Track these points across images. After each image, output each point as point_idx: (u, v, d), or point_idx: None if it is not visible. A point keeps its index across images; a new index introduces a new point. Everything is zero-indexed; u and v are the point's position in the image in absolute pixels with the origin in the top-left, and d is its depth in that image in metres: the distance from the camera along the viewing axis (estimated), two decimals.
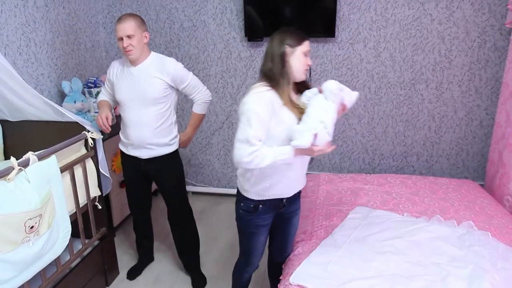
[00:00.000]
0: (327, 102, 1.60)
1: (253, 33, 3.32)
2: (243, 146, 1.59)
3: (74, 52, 3.27)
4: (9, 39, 2.63)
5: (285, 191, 1.82)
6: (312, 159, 1.81)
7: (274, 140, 1.64)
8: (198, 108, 2.39)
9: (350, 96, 1.69)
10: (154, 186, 2.71)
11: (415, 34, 3.14)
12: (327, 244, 2.03)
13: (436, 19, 3.08)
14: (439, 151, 3.38)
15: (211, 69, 3.54)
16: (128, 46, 2.11)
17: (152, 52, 2.25)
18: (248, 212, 1.84)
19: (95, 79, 3.15)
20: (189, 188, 3.83)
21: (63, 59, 3.13)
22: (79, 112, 2.92)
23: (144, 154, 2.30)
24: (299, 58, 1.67)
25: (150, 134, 2.24)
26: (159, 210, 3.35)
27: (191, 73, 2.30)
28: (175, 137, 2.36)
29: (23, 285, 1.83)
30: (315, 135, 1.54)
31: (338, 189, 2.70)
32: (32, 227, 1.78)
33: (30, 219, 1.76)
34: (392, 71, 3.26)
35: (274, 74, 1.66)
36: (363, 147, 3.50)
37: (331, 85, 1.61)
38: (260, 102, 1.61)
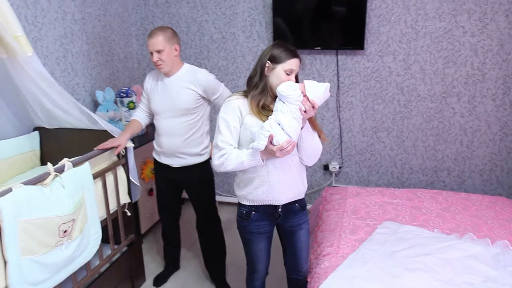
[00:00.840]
0: (283, 104, 1.65)
1: None
2: (214, 151, 1.79)
3: (107, 62, 3.38)
4: (48, 50, 2.75)
5: (272, 197, 1.82)
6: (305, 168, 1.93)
7: (244, 145, 1.76)
8: None
9: (315, 92, 1.67)
10: (184, 195, 2.75)
11: (447, 47, 3.09)
12: (354, 259, 2.00)
13: (468, 31, 3.02)
14: (472, 166, 3.29)
15: (239, 81, 3.58)
16: (158, 60, 2.18)
17: (185, 63, 2.31)
18: (242, 218, 1.89)
19: (127, 89, 3.25)
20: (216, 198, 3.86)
21: (97, 69, 3.25)
22: (111, 120, 3.01)
23: (175, 162, 2.35)
24: (278, 75, 1.70)
25: (182, 144, 2.29)
26: (187, 218, 3.39)
27: (223, 84, 2.34)
28: (207, 147, 2.40)
29: (55, 287, 1.88)
30: (270, 136, 1.61)
31: (365, 202, 2.66)
32: (65, 231, 1.84)
33: (64, 223, 1.82)
34: (423, 84, 3.21)
35: (251, 83, 1.78)
36: (391, 160, 3.45)
37: (280, 87, 1.64)
38: (228, 110, 1.77)
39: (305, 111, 1.64)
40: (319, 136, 1.83)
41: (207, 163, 2.44)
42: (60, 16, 2.85)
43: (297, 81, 1.75)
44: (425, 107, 3.25)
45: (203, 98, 2.28)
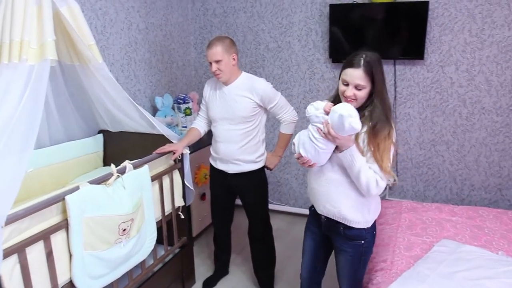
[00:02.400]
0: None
1: (337, 54, 3.32)
2: None
3: (167, 70, 3.53)
4: (114, 58, 2.92)
5: (313, 201, 1.88)
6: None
7: None
8: (285, 128, 2.44)
9: (332, 119, 1.55)
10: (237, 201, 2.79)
11: None
12: (409, 276, 1.92)
13: None
14: None
15: (294, 90, 3.59)
16: (216, 70, 2.24)
17: (243, 72, 2.35)
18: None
19: (184, 95, 3.36)
20: None
21: (157, 76, 3.40)
22: (168, 125, 3.13)
23: (230, 169, 2.40)
24: (339, 84, 1.68)
25: (237, 151, 2.33)
26: (238, 224, 3.42)
27: (280, 93, 2.36)
28: (262, 155, 2.43)
29: (112, 283, 1.97)
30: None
31: (422, 218, 2.55)
32: (124, 229, 1.93)
33: (124, 222, 1.91)
34: (488, 95, 3.04)
35: None
36: (450, 175, 3.28)
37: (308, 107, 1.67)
38: None
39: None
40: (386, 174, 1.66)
41: (261, 171, 2.46)
42: (126, 26, 3.02)
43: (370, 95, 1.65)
44: (490, 120, 3.07)
45: (260, 106, 2.31)
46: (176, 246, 2.52)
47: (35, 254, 1.60)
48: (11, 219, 1.48)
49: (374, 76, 1.59)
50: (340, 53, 3.30)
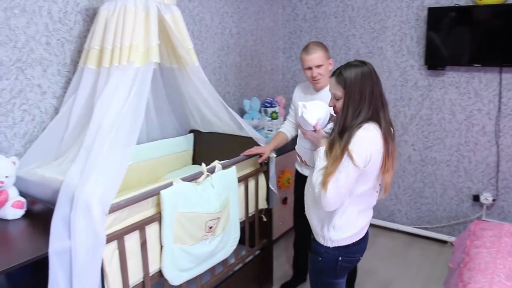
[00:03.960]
0: None
1: (434, 61, 3.12)
2: None
3: (255, 74, 3.60)
4: (207, 61, 3.05)
5: None
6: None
7: None
8: None
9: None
10: None
11: None
12: None
13: None
14: None
15: None
16: (317, 75, 2.20)
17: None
18: None
19: (271, 99, 3.40)
20: None
21: (246, 80, 3.48)
22: (255, 128, 3.19)
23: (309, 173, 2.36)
24: None
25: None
26: None
27: None
28: None
29: (196, 277, 2.05)
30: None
31: None
32: (211, 227, 2.00)
33: (210, 220, 1.98)
34: None
35: None
36: None
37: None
38: None
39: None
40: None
41: None
42: (219, 31, 3.14)
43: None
44: None
45: None
46: (257, 247, 2.55)
47: (131, 242, 1.73)
48: (114, 208, 1.61)
49: (346, 88, 1.53)
50: (438, 59, 3.09)
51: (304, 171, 2.42)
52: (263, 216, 2.53)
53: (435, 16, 3.03)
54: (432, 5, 3.08)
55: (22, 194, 1.83)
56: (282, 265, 3.08)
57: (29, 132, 2.04)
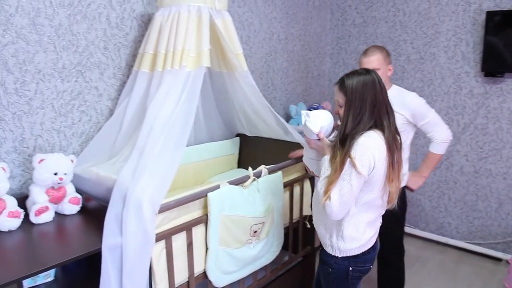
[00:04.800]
0: None
1: (492, 67, 2.97)
2: None
3: (302, 79, 3.58)
4: (255, 66, 3.08)
5: None
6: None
7: None
8: (436, 148, 2.23)
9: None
10: None
11: None
12: None
13: None
14: None
15: (435, 104, 3.31)
16: None
17: (393, 85, 2.23)
18: None
19: (318, 105, 3.37)
20: None
21: (292, 85, 3.47)
22: (301, 133, 3.16)
23: None
24: None
25: None
26: None
27: (433, 110, 2.18)
28: (404, 174, 2.25)
29: (239, 280, 2.06)
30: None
31: None
32: (255, 231, 2.00)
33: (255, 224, 1.98)
34: None
35: None
36: None
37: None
38: None
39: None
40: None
41: (401, 191, 2.28)
42: (267, 36, 3.16)
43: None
44: None
45: (409, 123, 2.16)
46: (299, 254, 2.52)
47: (178, 242, 1.76)
48: (164, 208, 1.65)
49: (347, 96, 1.53)
50: (497, 65, 2.94)
51: None
52: (307, 223, 2.50)
53: (494, 20, 2.88)
54: (491, 9, 2.93)
55: (78, 191, 1.93)
56: None
57: (86, 132, 2.15)
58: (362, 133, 1.50)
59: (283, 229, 2.25)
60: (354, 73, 1.57)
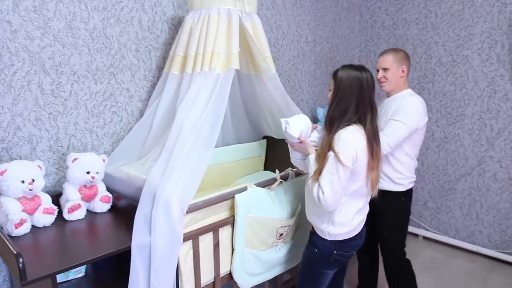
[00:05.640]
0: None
1: None
2: None
3: (330, 81, 3.55)
4: (282, 69, 3.07)
5: None
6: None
7: None
8: None
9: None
10: None
11: None
12: None
13: None
14: None
15: (467, 109, 3.22)
16: (381, 78, 2.18)
17: (408, 89, 2.20)
18: None
19: None
20: (420, 231, 3.57)
21: (320, 87, 3.45)
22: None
23: None
24: None
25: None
26: None
27: (411, 123, 2.05)
28: (404, 178, 2.20)
29: (263, 282, 2.06)
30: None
31: None
32: (281, 234, 2.00)
33: (282, 227, 1.98)
34: None
35: None
36: None
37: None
38: None
39: None
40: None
41: (401, 195, 2.22)
42: (296, 39, 3.15)
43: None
44: None
45: None
46: None
47: (205, 243, 1.79)
48: (192, 209, 1.68)
49: (336, 83, 1.72)
50: None
51: None
52: None
53: None
54: None
55: (108, 189, 1.98)
56: (349, 278, 2.99)
57: (117, 132, 2.20)
58: (344, 128, 1.66)
59: (308, 233, 2.23)
60: (349, 66, 1.73)
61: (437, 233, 3.52)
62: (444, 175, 3.42)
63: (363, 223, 1.85)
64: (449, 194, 3.42)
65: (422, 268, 3.08)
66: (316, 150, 1.75)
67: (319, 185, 1.63)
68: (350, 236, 1.78)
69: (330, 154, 1.62)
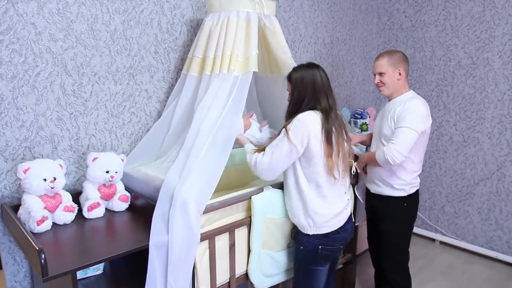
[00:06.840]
0: None
1: None
2: None
3: (346, 84, 3.54)
4: None
5: None
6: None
7: None
8: (379, 155, 2.06)
9: None
10: None
11: None
12: None
13: None
14: None
15: (487, 112, 3.17)
16: (378, 82, 2.17)
17: (409, 91, 2.17)
18: None
19: (362, 110, 3.32)
20: (437, 236, 3.53)
21: (337, 90, 3.44)
22: None
23: (371, 187, 2.30)
24: None
25: (378, 169, 2.20)
26: None
27: (414, 128, 2.00)
28: (405, 184, 2.17)
29: (278, 284, 2.07)
30: None
31: None
32: None
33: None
34: None
35: None
36: None
37: None
38: None
39: None
40: None
41: (402, 200, 2.19)
42: (313, 41, 3.15)
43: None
44: None
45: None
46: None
47: (221, 243, 1.80)
48: (208, 209, 1.69)
49: (291, 85, 1.85)
50: None
51: (366, 183, 2.33)
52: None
53: None
54: None
55: (127, 189, 2.01)
56: (364, 283, 2.97)
57: (135, 133, 2.23)
58: (303, 111, 1.77)
59: None
60: (300, 66, 1.87)
61: (454, 238, 3.47)
62: (462, 179, 3.37)
63: (343, 215, 1.88)
64: (468, 198, 3.36)
65: (439, 274, 3.04)
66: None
67: (262, 152, 1.79)
68: (333, 230, 1.83)
69: (283, 130, 1.76)
